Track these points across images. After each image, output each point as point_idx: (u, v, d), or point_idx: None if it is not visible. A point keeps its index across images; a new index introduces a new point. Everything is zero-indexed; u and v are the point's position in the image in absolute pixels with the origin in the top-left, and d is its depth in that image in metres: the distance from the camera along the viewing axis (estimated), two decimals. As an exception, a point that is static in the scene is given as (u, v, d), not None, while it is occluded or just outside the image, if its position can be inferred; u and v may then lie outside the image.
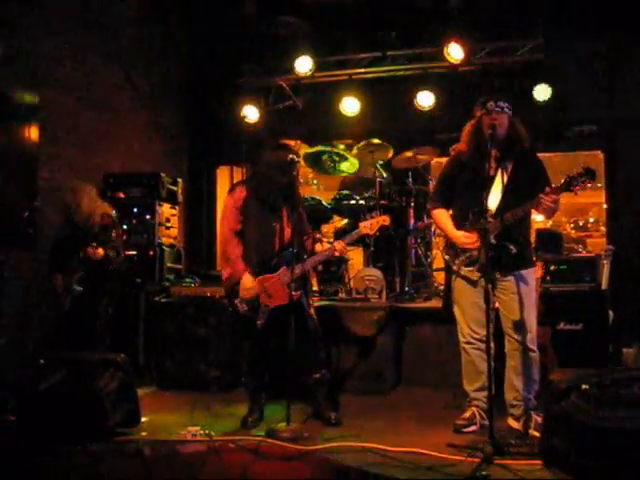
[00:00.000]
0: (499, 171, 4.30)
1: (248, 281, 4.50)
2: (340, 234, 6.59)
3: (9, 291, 5.77)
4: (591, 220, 9.69)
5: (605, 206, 8.19)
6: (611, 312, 5.95)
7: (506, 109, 4.29)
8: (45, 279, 5.77)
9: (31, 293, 6.12)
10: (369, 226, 4.73)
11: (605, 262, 6.05)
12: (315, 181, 9.34)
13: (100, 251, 5.40)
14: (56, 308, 5.69)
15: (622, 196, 7.47)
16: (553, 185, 4.18)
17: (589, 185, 4.03)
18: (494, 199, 4.27)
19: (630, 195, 7.38)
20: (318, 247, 4.84)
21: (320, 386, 4.72)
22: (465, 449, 3.82)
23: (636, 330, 6.36)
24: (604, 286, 5.92)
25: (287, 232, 4.63)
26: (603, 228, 9.37)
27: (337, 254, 4.74)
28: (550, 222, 9.01)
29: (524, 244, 4.42)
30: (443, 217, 4.56)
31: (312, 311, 4.76)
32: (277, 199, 4.62)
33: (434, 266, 6.98)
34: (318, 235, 4.93)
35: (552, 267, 6.08)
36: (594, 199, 9.20)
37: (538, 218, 8.78)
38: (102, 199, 5.94)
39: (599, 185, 7.75)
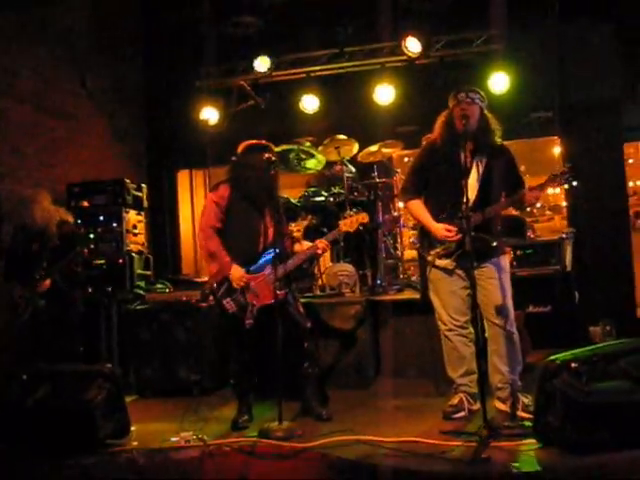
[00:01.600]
0: (474, 164, 4.38)
1: (237, 271, 4.50)
2: (311, 232, 6.60)
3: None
4: (537, 205, 9.90)
5: (558, 190, 8.43)
6: (576, 292, 6.13)
7: (477, 100, 4.37)
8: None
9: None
10: (349, 224, 4.76)
11: (568, 244, 6.22)
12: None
13: (46, 283, 5.42)
14: (15, 318, 5.54)
15: (579, 180, 7.64)
16: (535, 184, 4.31)
17: (573, 183, 4.18)
18: (471, 191, 4.30)
19: (586, 178, 7.55)
20: (297, 247, 4.87)
21: (308, 380, 4.74)
22: (459, 434, 3.89)
23: (600, 308, 6.55)
24: (569, 267, 6.09)
25: (270, 232, 4.64)
26: (549, 212, 9.61)
27: (320, 252, 4.78)
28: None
29: (498, 235, 4.52)
30: (419, 209, 4.57)
31: (300, 307, 4.79)
32: (261, 199, 4.63)
33: (404, 258, 7.06)
34: (296, 235, 4.94)
35: (518, 252, 6.22)
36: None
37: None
38: (57, 205, 5.83)
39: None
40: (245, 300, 4.52)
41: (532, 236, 7.11)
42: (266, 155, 4.56)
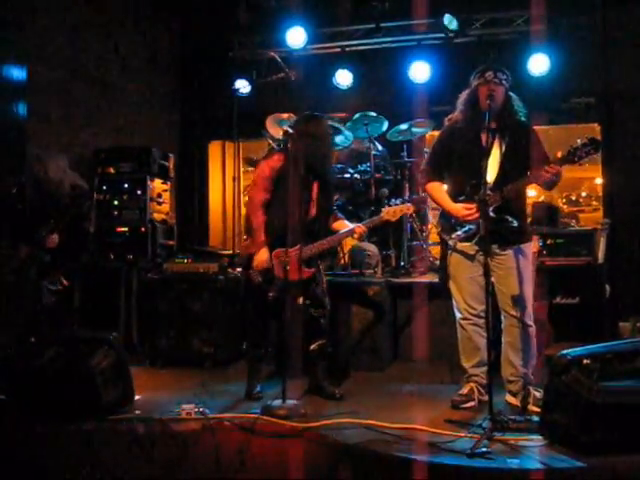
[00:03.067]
0: (496, 143, 4.20)
1: (263, 254, 4.52)
2: (337, 209, 6.56)
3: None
4: (583, 195, 9.66)
5: (601, 180, 8.13)
6: (607, 286, 5.93)
7: (504, 81, 4.20)
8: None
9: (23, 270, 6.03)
10: (392, 213, 4.58)
11: (601, 236, 6.01)
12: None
13: (55, 238, 5.31)
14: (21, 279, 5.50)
15: (618, 170, 7.39)
16: (554, 157, 4.10)
17: (593, 155, 3.95)
18: (491, 171, 4.17)
19: (626, 169, 7.30)
20: (335, 225, 4.73)
21: (319, 358, 4.70)
22: (464, 425, 3.79)
23: (632, 304, 6.33)
24: (600, 260, 5.89)
25: (314, 208, 4.61)
26: (595, 203, 9.34)
27: (356, 237, 4.73)
28: (542, 197, 8.97)
29: (521, 217, 4.35)
30: (438, 190, 4.44)
31: (324, 286, 4.74)
32: (315, 170, 4.57)
33: (430, 240, 6.92)
34: (339, 215, 4.88)
35: (548, 241, 6.03)
36: (587, 174, 9.16)
37: (530, 193, 8.76)
38: (73, 171, 5.79)
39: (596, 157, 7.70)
40: (272, 273, 4.52)
41: (576, 226, 6.88)
42: (325, 124, 4.57)
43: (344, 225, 4.70)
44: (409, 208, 4.67)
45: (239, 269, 5.77)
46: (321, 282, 4.72)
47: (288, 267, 4.32)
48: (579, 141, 3.93)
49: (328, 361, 4.80)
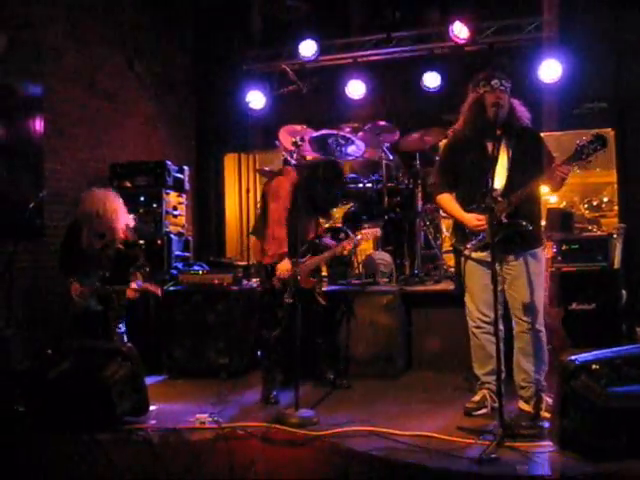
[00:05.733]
0: (502, 149, 4.20)
1: (287, 263, 4.84)
2: (350, 218, 6.81)
3: (18, 282, 5.75)
4: (605, 200, 9.55)
5: (616, 185, 8.08)
6: (624, 291, 5.88)
7: (509, 88, 4.23)
8: (53, 270, 5.72)
9: (39, 284, 6.13)
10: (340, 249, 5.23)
11: (617, 241, 5.97)
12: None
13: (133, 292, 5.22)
14: (67, 309, 5.42)
15: (633, 174, 7.35)
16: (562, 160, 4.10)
17: (601, 152, 3.94)
18: (500, 178, 4.18)
19: (640, 174, 7.27)
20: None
21: (322, 353, 5.28)
22: (476, 432, 3.79)
23: (649, 310, 6.27)
24: (617, 265, 5.84)
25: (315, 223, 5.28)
26: (617, 207, 9.24)
27: (346, 253, 5.44)
28: (564, 202, 8.92)
29: (535, 222, 4.34)
30: (449, 202, 4.46)
31: (321, 288, 5.39)
32: (318, 211, 5.22)
33: (443, 248, 6.92)
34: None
35: (563, 247, 6.00)
36: (607, 179, 9.07)
37: (552, 199, 8.72)
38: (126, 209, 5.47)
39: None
40: (291, 280, 4.78)
41: (598, 232, 6.85)
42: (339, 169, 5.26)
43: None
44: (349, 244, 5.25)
45: (255, 279, 6.06)
46: (321, 290, 5.32)
47: (301, 277, 4.67)
48: (584, 139, 3.94)
49: (332, 355, 5.37)
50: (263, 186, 5.62)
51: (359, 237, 5.30)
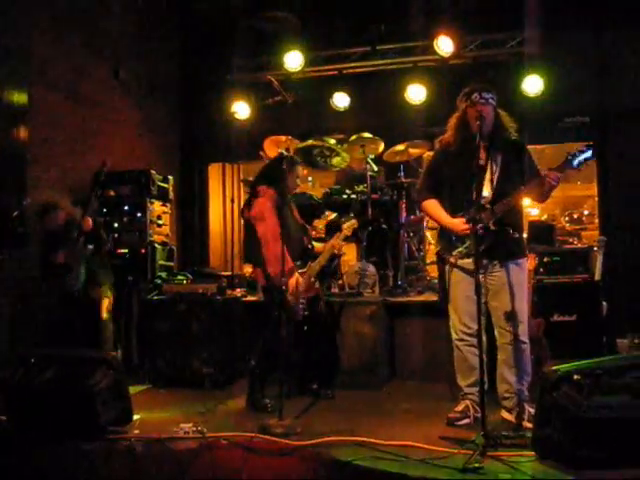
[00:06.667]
0: (489, 162, 4.25)
1: (298, 277, 4.90)
2: (332, 229, 6.62)
3: (0, 290, 5.72)
4: (586, 213, 9.66)
5: (597, 198, 8.18)
6: (605, 303, 5.95)
7: (490, 100, 4.27)
8: (36, 279, 5.72)
9: (22, 292, 6.09)
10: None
11: (598, 253, 6.04)
12: (310, 178, 9.34)
13: (89, 221, 5.50)
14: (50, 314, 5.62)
15: (614, 188, 7.45)
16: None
17: (590, 161, 4.02)
18: (486, 190, 4.22)
19: (621, 187, 7.36)
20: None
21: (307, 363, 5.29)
22: (459, 441, 3.81)
23: (630, 321, 6.35)
24: (597, 277, 5.91)
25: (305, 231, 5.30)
26: (597, 220, 9.35)
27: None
28: (545, 215, 9.00)
29: (519, 232, 4.38)
30: (435, 207, 4.47)
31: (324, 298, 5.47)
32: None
33: (427, 260, 6.97)
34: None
35: (545, 259, 6.06)
36: (588, 192, 9.18)
37: (533, 212, 8.80)
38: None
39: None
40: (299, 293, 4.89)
41: (579, 245, 6.93)
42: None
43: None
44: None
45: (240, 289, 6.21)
46: (323, 297, 5.34)
47: (306, 286, 4.90)
48: (576, 148, 4.02)
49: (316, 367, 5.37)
50: (241, 214, 5.66)
51: (343, 229, 5.25)
